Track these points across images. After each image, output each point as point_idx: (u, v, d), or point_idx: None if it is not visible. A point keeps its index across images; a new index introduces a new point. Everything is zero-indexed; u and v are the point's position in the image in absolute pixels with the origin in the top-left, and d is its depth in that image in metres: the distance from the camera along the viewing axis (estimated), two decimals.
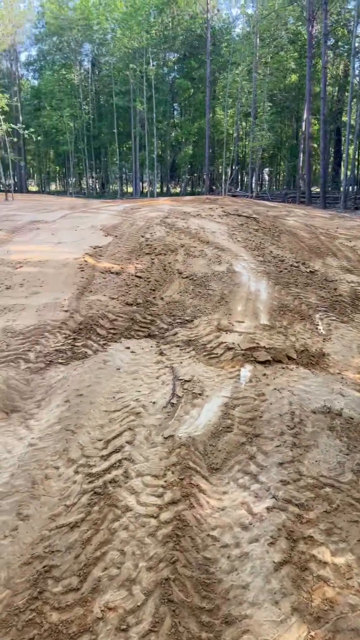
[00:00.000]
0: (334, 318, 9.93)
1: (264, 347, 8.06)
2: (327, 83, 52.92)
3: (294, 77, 49.35)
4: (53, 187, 70.96)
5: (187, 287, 10.99)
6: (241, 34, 47.99)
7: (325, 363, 7.92)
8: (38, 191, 62.63)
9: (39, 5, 55.25)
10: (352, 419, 6.16)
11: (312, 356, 8.05)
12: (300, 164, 36.38)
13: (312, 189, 42.19)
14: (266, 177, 64.72)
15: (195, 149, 52.94)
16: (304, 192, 34.10)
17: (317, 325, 9.49)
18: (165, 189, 57.72)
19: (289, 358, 7.89)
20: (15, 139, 39.86)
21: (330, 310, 10.29)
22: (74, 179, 58.07)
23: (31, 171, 69.46)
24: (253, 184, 41.74)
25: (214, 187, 49.76)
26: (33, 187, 68.89)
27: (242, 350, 7.95)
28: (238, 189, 48.31)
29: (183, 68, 51.76)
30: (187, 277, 11.51)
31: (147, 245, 13.71)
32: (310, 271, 12.53)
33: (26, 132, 31.80)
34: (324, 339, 8.91)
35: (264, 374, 7.31)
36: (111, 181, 62.95)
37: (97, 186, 61.45)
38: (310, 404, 6.45)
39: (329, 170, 53.71)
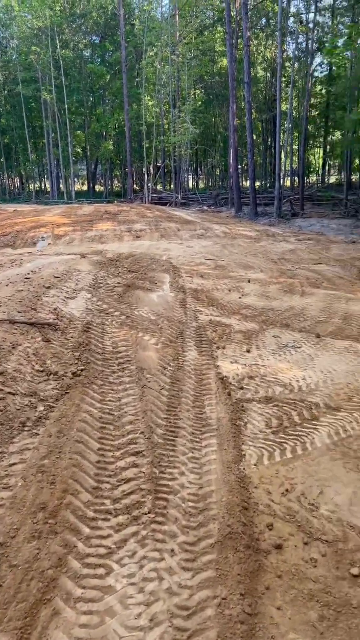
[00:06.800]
0: None
1: None
2: (262, 67, 48.19)
3: (225, 61, 44.19)
4: None
5: None
6: (158, 10, 42.44)
7: None
8: None
9: None
10: None
11: None
12: (230, 161, 31.32)
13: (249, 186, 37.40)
14: (199, 174, 59.88)
15: (122, 143, 47.05)
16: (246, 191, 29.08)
17: None
18: (89, 187, 51.71)
19: None
20: None
21: None
22: None
23: None
24: (179, 184, 36.56)
25: (137, 187, 44.31)
26: None
27: None
28: (165, 189, 42.94)
29: (98, 51, 45.76)
30: None
31: None
32: None
33: None
34: None
35: None
36: (31, 180, 56.33)
37: (14, 186, 54.83)
38: None
39: (267, 165, 49.20)
